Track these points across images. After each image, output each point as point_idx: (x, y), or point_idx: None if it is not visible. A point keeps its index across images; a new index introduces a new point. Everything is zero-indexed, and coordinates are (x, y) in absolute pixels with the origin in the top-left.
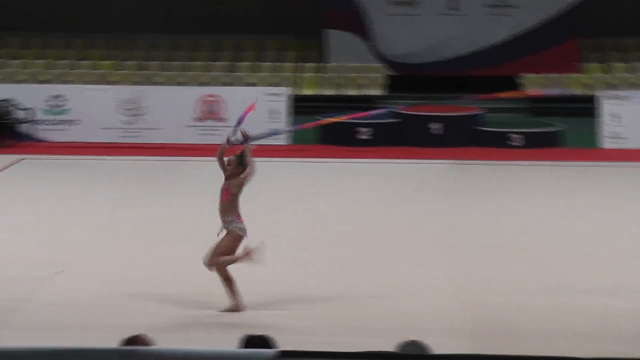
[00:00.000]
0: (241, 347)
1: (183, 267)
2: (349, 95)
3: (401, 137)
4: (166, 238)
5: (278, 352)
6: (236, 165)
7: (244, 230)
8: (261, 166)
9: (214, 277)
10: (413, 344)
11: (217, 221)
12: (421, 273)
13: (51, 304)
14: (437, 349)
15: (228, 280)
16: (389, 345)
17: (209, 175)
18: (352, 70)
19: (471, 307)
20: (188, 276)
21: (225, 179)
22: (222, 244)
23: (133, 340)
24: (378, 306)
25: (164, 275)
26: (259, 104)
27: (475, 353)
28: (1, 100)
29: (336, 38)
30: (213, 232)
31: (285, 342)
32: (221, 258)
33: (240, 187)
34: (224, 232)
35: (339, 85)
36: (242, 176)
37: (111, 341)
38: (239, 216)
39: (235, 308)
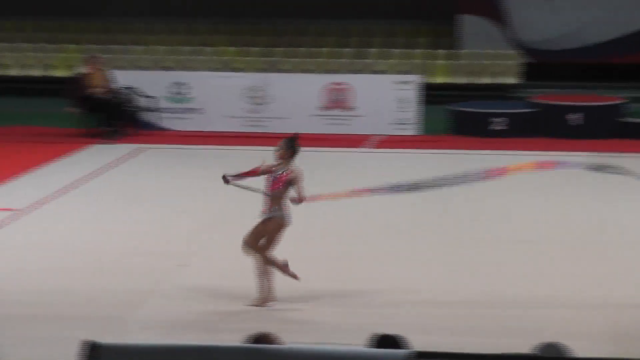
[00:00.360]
0: (372, 347)
1: (308, 263)
2: (482, 84)
3: (538, 128)
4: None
5: (414, 352)
6: (286, 149)
7: (289, 218)
8: (390, 157)
9: (328, 272)
10: (552, 346)
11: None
12: (563, 273)
13: (174, 299)
14: (576, 352)
15: (266, 272)
16: (526, 346)
17: (335, 166)
18: (486, 57)
19: (614, 310)
20: (313, 272)
21: (275, 170)
22: (267, 230)
23: (260, 338)
24: (515, 306)
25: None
26: (389, 92)
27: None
28: (124, 88)
29: (470, 23)
30: (345, 227)
31: (417, 343)
32: (267, 247)
33: (293, 183)
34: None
35: (471, 73)
36: (297, 183)
37: (237, 338)
38: (284, 205)
39: (263, 302)
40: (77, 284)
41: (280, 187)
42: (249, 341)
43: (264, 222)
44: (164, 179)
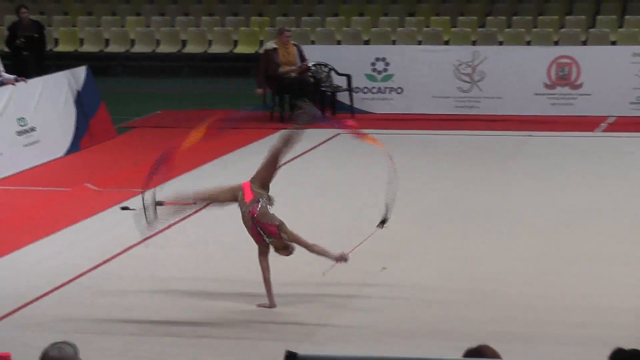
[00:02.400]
0: None
1: (530, 264)
2: None
3: None
4: (507, 228)
5: None
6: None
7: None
8: (625, 143)
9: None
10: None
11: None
12: None
13: (373, 305)
14: None
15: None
16: None
17: (561, 152)
18: None
19: None
20: (533, 276)
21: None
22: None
23: (478, 351)
24: None
25: (507, 272)
26: (626, 67)
27: None
28: (317, 65)
29: None
30: (575, 219)
31: None
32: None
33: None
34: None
35: None
36: None
37: (450, 351)
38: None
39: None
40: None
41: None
42: (465, 354)
43: None
44: (361, 168)
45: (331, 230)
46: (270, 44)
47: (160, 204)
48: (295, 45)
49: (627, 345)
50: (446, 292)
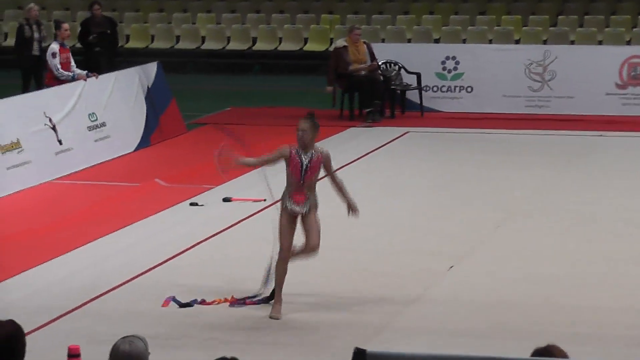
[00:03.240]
0: None
1: (600, 265)
2: None
3: None
4: (576, 228)
5: None
6: (315, 130)
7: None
8: None
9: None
10: None
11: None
12: None
13: (440, 304)
14: None
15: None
16: None
17: (632, 153)
18: None
19: None
20: (603, 278)
21: (304, 154)
22: (318, 223)
23: (547, 351)
24: None
25: (577, 274)
26: None
27: None
28: (387, 63)
29: None
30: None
31: None
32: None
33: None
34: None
35: None
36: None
37: (518, 350)
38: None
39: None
40: (333, 286)
41: (316, 173)
42: (533, 354)
43: (304, 217)
44: (430, 167)
45: (395, 230)
46: (340, 42)
47: (228, 200)
48: (365, 43)
49: None
50: (514, 293)
